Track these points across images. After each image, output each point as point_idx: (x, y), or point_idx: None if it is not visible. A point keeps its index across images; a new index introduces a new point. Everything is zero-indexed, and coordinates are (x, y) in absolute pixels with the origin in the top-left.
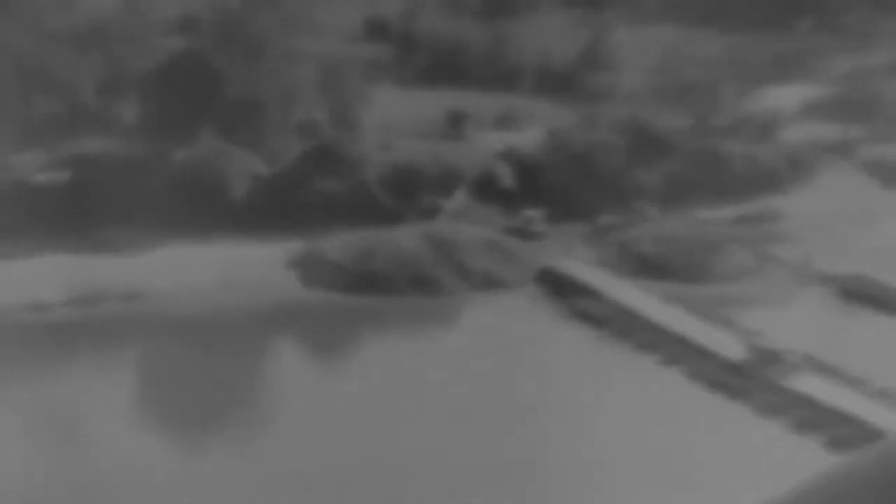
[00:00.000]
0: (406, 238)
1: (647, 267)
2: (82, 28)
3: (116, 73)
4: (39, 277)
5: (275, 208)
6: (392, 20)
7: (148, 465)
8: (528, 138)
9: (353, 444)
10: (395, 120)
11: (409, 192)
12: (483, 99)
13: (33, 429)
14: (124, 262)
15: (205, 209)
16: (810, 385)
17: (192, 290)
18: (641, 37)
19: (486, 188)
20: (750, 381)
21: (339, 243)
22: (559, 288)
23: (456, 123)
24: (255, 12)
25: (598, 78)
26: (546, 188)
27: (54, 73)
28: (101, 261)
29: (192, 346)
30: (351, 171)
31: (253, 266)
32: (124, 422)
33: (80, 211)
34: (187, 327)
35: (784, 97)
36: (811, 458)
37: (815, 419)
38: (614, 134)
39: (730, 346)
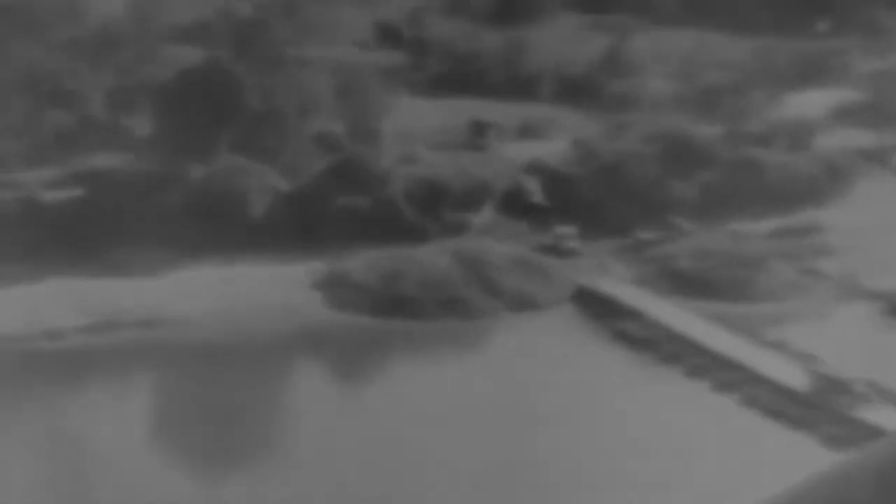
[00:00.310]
0: (434, 257)
1: (687, 285)
2: (91, 37)
3: (127, 85)
4: (52, 302)
5: (296, 226)
6: (403, 25)
7: (167, 500)
8: (552, 149)
9: (381, 477)
10: (414, 130)
11: (435, 207)
12: (501, 107)
13: (47, 462)
14: (140, 285)
15: (223, 228)
16: (881, 416)
17: (212, 315)
18: (658, 41)
19: (513, 203)
20: (813, 410)
21: (365, 263)
22: (597, 308)
23: (478, 133)
24: (271, 20)
25: (618, 84)
26: (576, 202)
27: (64, 85)
28: (116, 284)
29: (212, 375)
30: (375, 187)
31: (275, 288)
32: (141, 454)
33: (92, 231)
34: (207, 355)
35: (812, 102)
36: None
37: None
38: (645, 144)
39: (786, 372)
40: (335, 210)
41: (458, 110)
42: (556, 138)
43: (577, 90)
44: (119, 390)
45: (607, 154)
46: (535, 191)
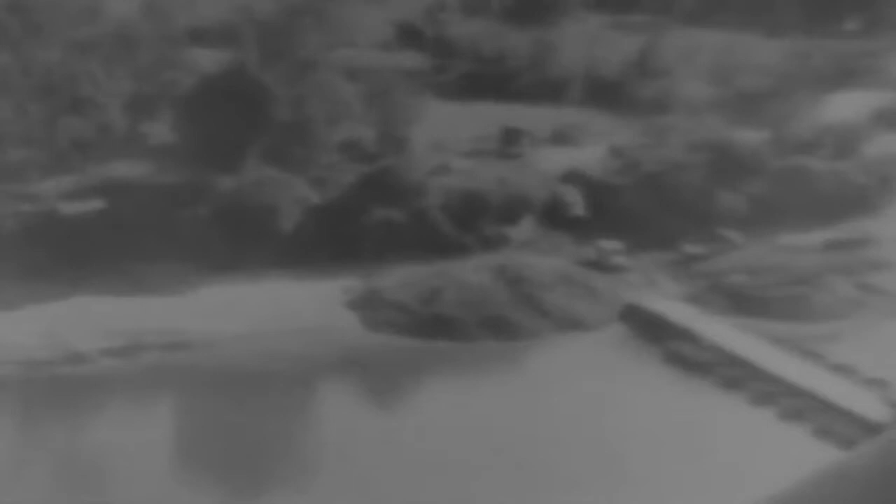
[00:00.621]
0: (474, 273)
1: (740, 302)
2: (107, 40)
3: (146, 90)
4: (74, 322)
5: (328, 241)
6: (423, 25)
7: None
8: (588, 156)
9: None
10: (443, 137)
11: (473, 220)
12: (529, 111)
13: (71, 494)
14: (165, 303)
15: (252, 243)
16: None
17: (241, 336)
18: (684, 42)
19: (553, 215)
20: None
21: (402, 281)
22: (647, 328)
23: (511, 141)
24: (299, 22)
25: (650, 87)
26: (619, 214)
27: (81, 90)
28: (140, 302)
29: (242, 402)
30: (410, 199)
31: (308, 307)
32: (170, 485)
33: (114, 246)
34: (237, 380)
35: (852, 105)
36: None
37: None
38: (689, 152)
39: (858, 399)
40: (369, 224)
41: (484, 114)
42: (591, 144)
43: (607, 93)
44: (145, 419)
45: (650, 163)
46: (575, 202)
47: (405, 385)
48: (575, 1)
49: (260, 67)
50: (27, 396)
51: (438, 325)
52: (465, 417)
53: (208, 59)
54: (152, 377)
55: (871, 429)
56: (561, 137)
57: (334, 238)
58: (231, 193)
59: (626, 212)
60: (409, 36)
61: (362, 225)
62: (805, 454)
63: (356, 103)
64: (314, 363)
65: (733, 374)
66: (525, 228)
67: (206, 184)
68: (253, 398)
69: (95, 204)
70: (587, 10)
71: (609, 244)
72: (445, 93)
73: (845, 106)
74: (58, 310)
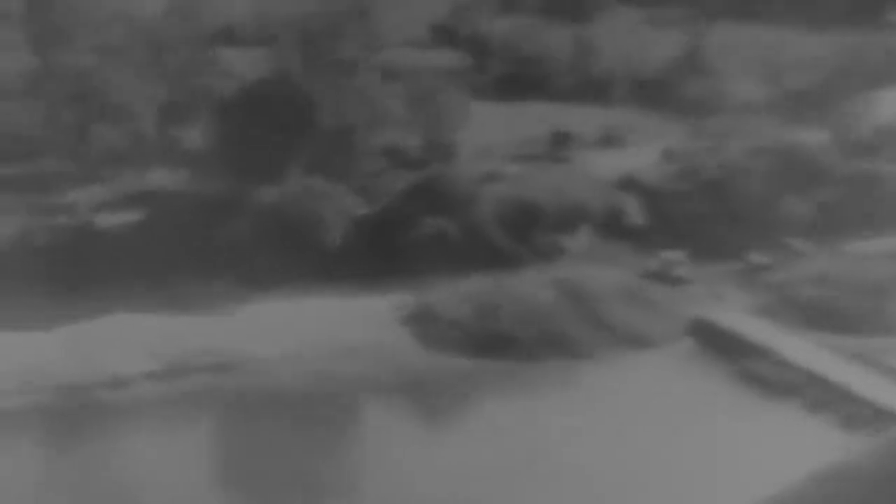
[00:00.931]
0: (532, 287)
1: (812, 316)
2: (138, 43)
3: (180, 95)
4: (112, 343)
5: (376, 254)
6: (457, 22)
7: None
8: (640, 160)
9: None
10: (489, 140)
11: (527, 230)
12: (572, 111)
13: None
14: (207, 322)
15: (297, 257)
16: None
17: (289, 357)
18: (728, 37)
19: (611, 224)
20: None
21: (456, 296)
22: (719, 344)
23: (560, 145)
24: (340, 24)
25: (697, 86)
26: (679, 222)
27: (113, 97)
28: (181, 321)
29: (292, 428)
30: (461, 209)
31: (358, 325)
32: None
33: (151, 260)
34: (286, 404)
35: None
36: None
37: None
38: (750, 156)
39: None
40: (418, 235)
41: (526, 116)
42: (641, 147)
43: (652, 93)
44: (188, 446)
45: (709, 168)
46: (633, 210)
47: (462, 407)
48: None
49: (300, 72)
50: (64, 423)
51: (496, 343)
52: (524, 440)
53: (241, 61)
54: (196, 402)
55: None
56: (609, 140)
57: (382, 251)
58: (274, 205)
59: (686, 220)
60: (442, 34)
61: (411, 237)
62: None
63: (399, 107)
64: (366, 385)
65: (817, 395)
66: (582, 239)
67: (247, 195)
68: (302, 423)
69: (131, 216)
70: (623, 4)
71: (671, 255)
72: (484, 93)
73: None
74: (94, 329)
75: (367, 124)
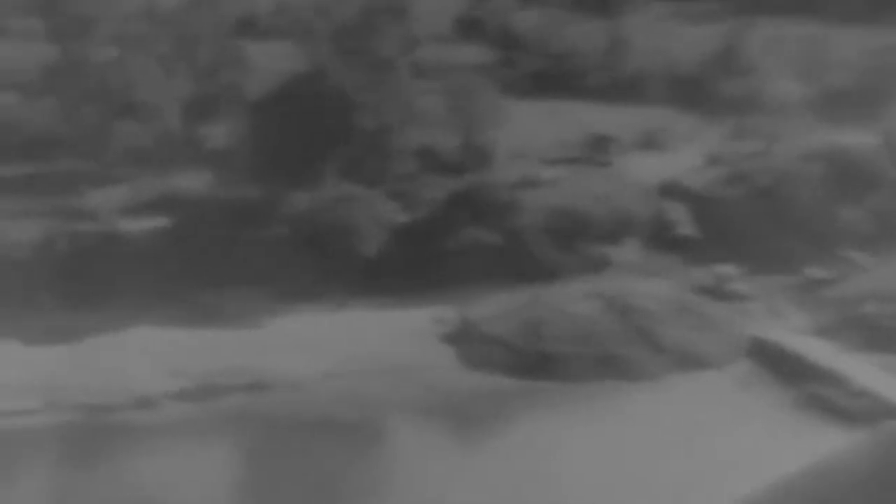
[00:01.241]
0: (579, 302)
1: (877, 335)
2: (161, 35)
3: (206, 92)
4: (139, 358)
5: (414, 264)
6: (483, 16)
7: None
8: (682, 163)
9: None
10: (522, 141)
11: (572, 240)
12: (607, 111)
13: None
14: (238, 337)
15: (331, 268)
16: None
17: (326, 376)
18: (765, 33)
19: (659, 234)
20: None
21: (500, 311)
22: (780, 366)
23: (599, 147)
24: (377, 19)
25: (735, 84)
26: (729, 232)
27: (137, 93)
28: (210, 335)
29: (329, 452)
30: (503, 218)
31: (397, 340)
32: None
33: (178, 269)
34: (324, 428)
35: None
36: None
37: None
38: (800, 161)
39: None
40: (458, 245)
41: (558, 114)
42: (682, 150)
43: (688, 91)
44: (219, 472)
45: (760, 174)
46: (681, 220)
47: (504, 431)
48: None
49: (336, 69)
50: (88, 445)
51: (541, 363)
52: (574, 467)
53: (266, 55)
54: (225, 424)
55: None
56: (649, 142)
57: (420, 261)
58: (307, 212)
59: (737, 230)
60: (468, 28)
61: (451, 246)
62: None
63: (434, 107)
64: (404, 406)
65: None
66: (628, 250)
67: (278, 200)
68: (336, 447)
69: (156, 222)
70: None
71: (725, 268)
72: (513, 90)
73: None
74: (118, 343)
75: (403, 125)
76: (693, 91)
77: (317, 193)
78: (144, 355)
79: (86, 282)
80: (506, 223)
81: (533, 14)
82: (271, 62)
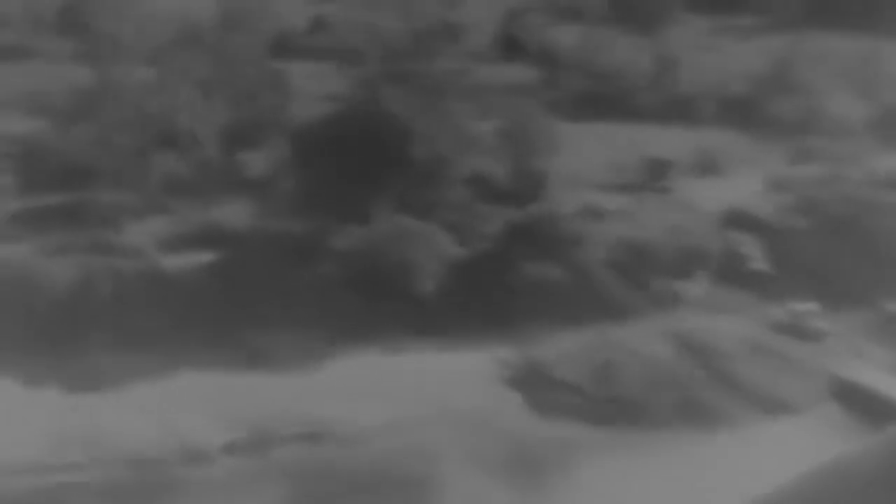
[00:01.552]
0: (651, 343)
1: None
2: (201, 59)
3: (246, 117)
4: (188, 406)
5: (474, 302)
6: (522, 33)
7: None
8: (744, 189)
9: None
10: (577, 167)
11: (640, 275)
12: (660, 134)
13: None
14: (291, 382)
15: (388, 306)
16: None
17: (387, 426)
18: (815, 49)
19: (729, 268)
20: None
21: (568, 353)
22: (869, 410)
23: (658, 173)
24: (432, 41)
25: (790, 104)
26: (803, 265)
27: (177, 121)
28: (262, 381)
29: None
30: (567, 252)
31: (461, 385)
32: None
33: (226, 309)
34: (386, 483)
35: None
36: None
37: None
38: (874, 188)
39: None
40: (520, 281)
41: (609, 137)
42: (741, 174)
43: (741, 111)
44: None
45: (832, 202)
46: (754, 252)
47: (580, 483)
48: (676, 3)
49: (387, 94)
50: (138, 502)
51: (616, 410)
52: None
53: (306, 77)
54: (282, 480)
55: None
56: (705, 166)
57: (480, 299)
58: (361, 247)
59: (811, 263)
60: (508, 46)
61: (512, 283)
62: None
63: (485, 133)
64: (471, 459)
65: None
66: (699, 285)
67: (330, 235)
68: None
69: (200, 257)
70: (687, 11)
71: (804, 305)
72: (558, 112)
73: None
74: (165, 389)
75: (458, 153)
76: (745, 111)
77: (370, 227)
78: (192, 403)
79: (128, 323)
80: (570, 257)
81: (570, 30)
82: (312, 85)
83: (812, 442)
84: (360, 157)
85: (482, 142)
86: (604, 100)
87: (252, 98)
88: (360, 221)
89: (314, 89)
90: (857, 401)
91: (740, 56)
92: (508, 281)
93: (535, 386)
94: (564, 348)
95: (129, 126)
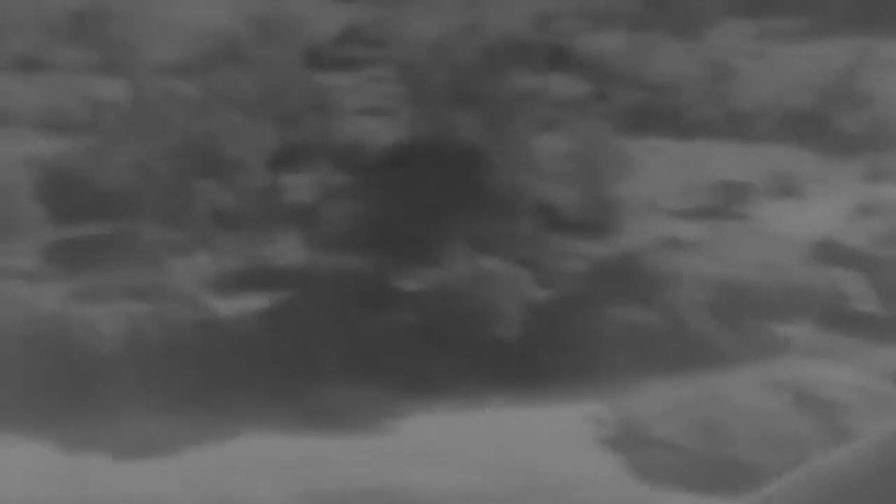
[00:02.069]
0: (759, 395)
1: None
2: (242, 76)
3: (295, 141)
4: (246, 477)
5: (560, 351)
6: (567, 43)
7: None
8: (829, 215)
9: None
10: (644, 190)
11: (737, 318)
12: (722, 152)
13: None
14: (363, 444)
15: (467, 356)
16: None
17: (474, 496)
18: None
19: (833, 307)
20: None
21: (666, 407)
22: None
23: (735, 197)
24: (503, 59)
25: (857, 117)
26: None
27: (223, 149)
28: (329, 443)
29: None
30: (655, 292)
31: (552, 447)
32: None
33: (285, 361)
34: None
35: None
36: None
37: None
38: None
39: None
40: (608, 326)
41: (669, 155)
42: (822, 197)
43: (806, 126)
44: None
45: None
46: (859, 290)
47: None
48: (716, 7)
49: (457, 119)
50: None
51: (727, 473)
52: None
53: (341, 89)
54: None
55: None
56: (781, 188)
57: (565, 346)
58: (435, 290)
59: None
60: (553, 56)
61: (598, 328)
62: None
63: (556, 157)
64: None
65: None
66: (802, 328)
67: (400, 277)
68: None
69: (253, 301)
70: (728, 14)
71: None
72: (613, 128)
73: None
74: (223, 455)
75: (532, 181)
76: (813, 126)
77: (447, 268)
78: (255, 470)
79: (181, 380)
80: (659, 298)
81: (610, 36)
82: (354, 99)
83: None
84: (425, 186)
85: (552, 166)
86: (657, 114)
87: (295, 118)
88: (428, 259)
89: (356, 104)
90: None
91: (793, 63)
92: (594, 325)
93: (634, 446)
94: (662, 402)
95: (171, 151)
